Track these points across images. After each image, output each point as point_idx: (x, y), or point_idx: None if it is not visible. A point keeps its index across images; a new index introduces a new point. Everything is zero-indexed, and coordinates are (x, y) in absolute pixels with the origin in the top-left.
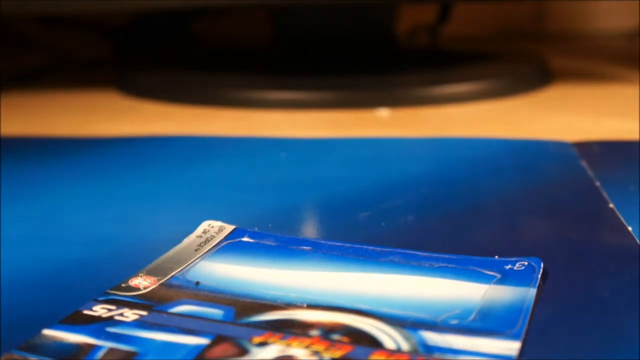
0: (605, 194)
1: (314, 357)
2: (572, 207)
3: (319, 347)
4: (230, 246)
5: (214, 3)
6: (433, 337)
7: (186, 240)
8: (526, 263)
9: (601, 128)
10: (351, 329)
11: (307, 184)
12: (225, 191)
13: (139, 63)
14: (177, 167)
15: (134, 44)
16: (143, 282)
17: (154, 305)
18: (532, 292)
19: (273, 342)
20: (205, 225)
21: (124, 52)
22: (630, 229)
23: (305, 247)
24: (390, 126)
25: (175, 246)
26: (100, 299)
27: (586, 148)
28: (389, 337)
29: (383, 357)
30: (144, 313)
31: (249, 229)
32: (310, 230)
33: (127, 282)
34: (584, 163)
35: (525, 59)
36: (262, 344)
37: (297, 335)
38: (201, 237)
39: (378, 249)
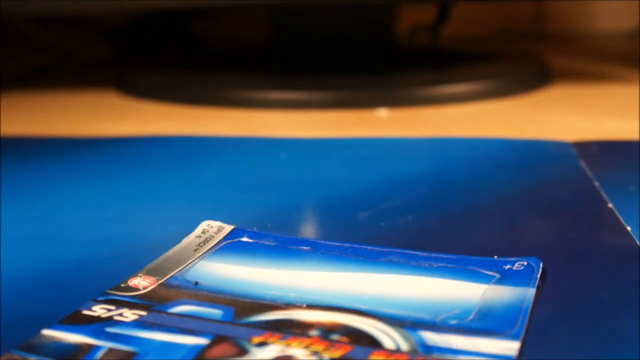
0: (604, 194)
1: (314, 357)
2: (571, 207)
3: (319, 347)
4: (230, 246)
5: (214, 3)
6: (432, 337)
7: (185, 240)
8: (525, 263)
9: (601, 128)
10: (350, 329)
11: (307, 184)
12: (224, 191)
13: (139, 63)
14: (176, 167)
15: (134, 44)
16: (142, 282)
17: (153, 306)
18: (531, 292)
19: (272, 342)
20: (204, 225)
21: (124, 52)
22: (629, 228)
23: (305, 247)
24: (390, 126)
25: (175, 246)
26: (99, 299)
27: (585, 148)
28: (389, 337)
29: (382, 357)
30: (143, 313)
31: (248, 229)
32: (309, 230)
33: (126, 282)
34: (583, 163)
35: (525, 59)
36: (262, 344)
37: (296, 335)
38: (200, 237)
39: (377, 249)
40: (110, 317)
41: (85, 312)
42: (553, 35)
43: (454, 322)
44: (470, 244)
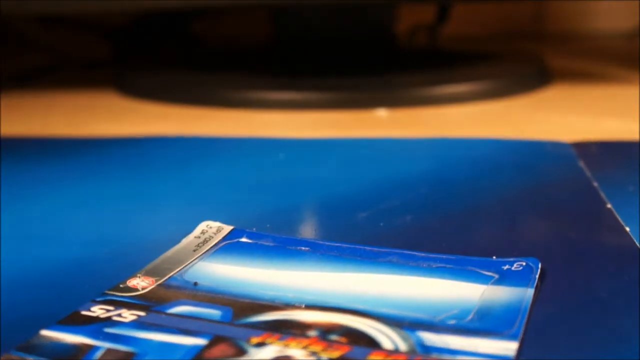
0: (603, 195)
1: (312, 358)
2: (570, 208)
3: (317, 347)
4: (229, 247)
5: (214, 3)
6: (431, 338)
7: (184, 241)
8: (524, 263)
9: (601, 128)
10: (349, 329)
11: (306, 185)
12: (224, 191)
13: (138, 63)
14: (176, 167)
15: (134, 44)
16: (141, 283)
17: (152, 306)
18: (529, 292)
19: (271, 343)
20: (203, 225)
21: (124, 52)
22: (628, 229)
23: (304, 248)
24: (389, 126)
25: (174, 247)
26: (98, 299)
27: (584, 148)
28: (387, 337)
29: (381, 358)
30: (142, 314)
31: (247, 230)
32: (308, 230)
33: (125, 282)
34: (582, 163)
35: (524, 59)
36: (260, 345)
37: (295, 335)
38: (199, 237)
39: (376, 249)
40: (109, 318)
41: (84, 312)
42: (553, 35)
43: (452, 322)
44: (469, 244)
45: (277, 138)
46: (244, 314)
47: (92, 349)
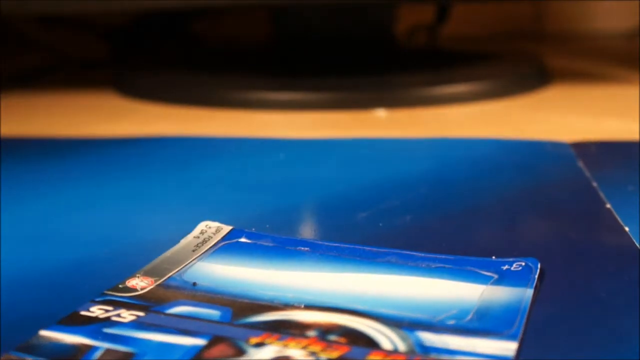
0: (602, 195)
1: (311, 358)
2: (570, 208)
3: (316, 347)
4: (228, 247)
5: (214, 3)
6: (430, 338)
7: (183, 241)
8: (523, 264)
9: (600, 128)
10: (348, 329)
11: (306, 185)
12: (223, 191)
13: (138, 63)
14: (175, 167)
15: (134, 44)
16: (140, 283)
17: (151, 306)
18: (529, 292)
19: (270, 343)
20: (202, 225)
21: (124, 52)
22: (627, 229)
23: (303, 248)
24: (388, 127)
25: (173, 247)
26: (97, 299)
27: (583, 148)
28: (386, 337)
29: (380, 358)
30: (141, 314)
31: (246, 230)
32: (308, 230)
33: (124, 282)
34: (581, 163)
35: (524, 59)
36: (259, 345)
37: (294, 335)
38: (198, 237)
39: (375, 249)
40: (108, 318)
41: (83, 312)
42: (552, 35)
43: (451, 322)
44: (469, 244)
45: (277, 138)
46: (243, 314)
47: (91, 349)
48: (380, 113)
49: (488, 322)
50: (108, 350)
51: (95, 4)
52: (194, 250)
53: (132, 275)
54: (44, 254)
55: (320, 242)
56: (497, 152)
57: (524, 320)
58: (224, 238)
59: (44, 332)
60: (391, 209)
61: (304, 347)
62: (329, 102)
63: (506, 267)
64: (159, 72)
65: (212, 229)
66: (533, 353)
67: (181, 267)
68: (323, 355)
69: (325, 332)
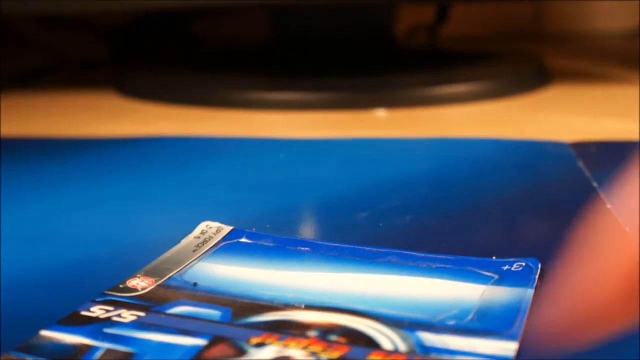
0: (602, 195)
1: (312, 358)
2: (570, 208)
3: (317, 347)
4: (228, 247)
5: (214, 3)
6: (430, 338)
7: (184, 241)
8: (524, 264)
9: (600, 128)
10: (348, 329)
11: (306, 185)
12: (223, 192)
13: (138, 63)
14: (175, 167)
15: (134, 44)
16: (141, 283)
17: (151, 306)
18: (529, 292)
19: (270, 343)
20: (203, 226)
21: (124, 52)
22: (627, 229)
23: (303, 248)
24: (388, 127)
25: (173, 247)
26: (98, 299)
27: (583, 148)
28: (387, 337)
29: (380, 358)
30: (141, 314)
31: (246, 230)
32: (308, 230)
33: (124, 283)
34: (581, 163)
35: (524, 59)
36: (260, 345)
37: (294, 336)
38: (199, 237)
39: (375, 249)
40: (109, 318)
41: (84, 312)
42: (552, 35)
43: (452, 322)
44: (469, 244)
45: (277, 138)
46: (243, 314)
47: (91, 349)
48: (380, 113)
49: (488, 322)
50: (108, 351)
51: (95, 4)
52: (194, 251)
53: (132, 275)
54: (44, 254)
55: (320, 242)
56: (497, 152)
57: (524, 321)
58: (224, 238)
59: (44, 332)
60: (391, 209)
61: (305, 347)
62: (329, 102)
63: (506, 267)
64: (159, 72)
65: (212, 229)
66: (532, 353)
67: (182, 267)
68: (323, 356)
69: (325, 332)
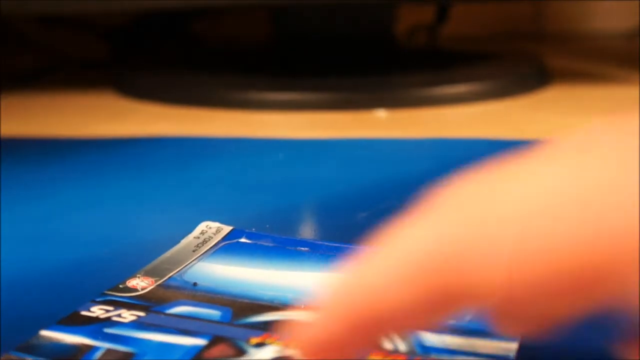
0: None
1: None
2: None
3: None
4: (228, 247)
5: (214, 3)
6: (430, 338)
7: (184, 241)
8: None
9: None
10: None
11: (306, 185)
12: (223, 192)
13: (138, 63)
14: (176, 167)
15: (134, 44)
16: (141, 283)
17: (151, 306)
18: None
19: (270, 343)
20: (203, 226)
21: (124, 52)
22: None
23: (303, 248)
24: (388, 127)
25: (173, 247)
26: (98, 299)
27: None
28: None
29: (380, 357)
30: (141, 314)
31: (246, 230)
32: (308, 230)
33: (124, 283)
34: None
35: (524, 60)
36: (260, 345)
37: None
38: (199, 238)
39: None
40: (109, 318)
41: (84, 312)
42: (552, 35)
43: (451, 322)
44: None
45: (277, 138)
46: (243, 314)
47: (91, 349)
48: (380, 113)
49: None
50: (108, 350)
51: (95, 4)
52: (194, 251)
53: (132, 275)
54: (44, 254)
55: (320, 242)
56: (497, 152)
57: None
58: (224, 238)
59: (44, 332)
60: (391, 209)
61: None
62: (328, 102)
63: None
64: (159, 72)
65: (212, 229)
66: (532, 353)
67: (182, 267)
68: None
69: None
